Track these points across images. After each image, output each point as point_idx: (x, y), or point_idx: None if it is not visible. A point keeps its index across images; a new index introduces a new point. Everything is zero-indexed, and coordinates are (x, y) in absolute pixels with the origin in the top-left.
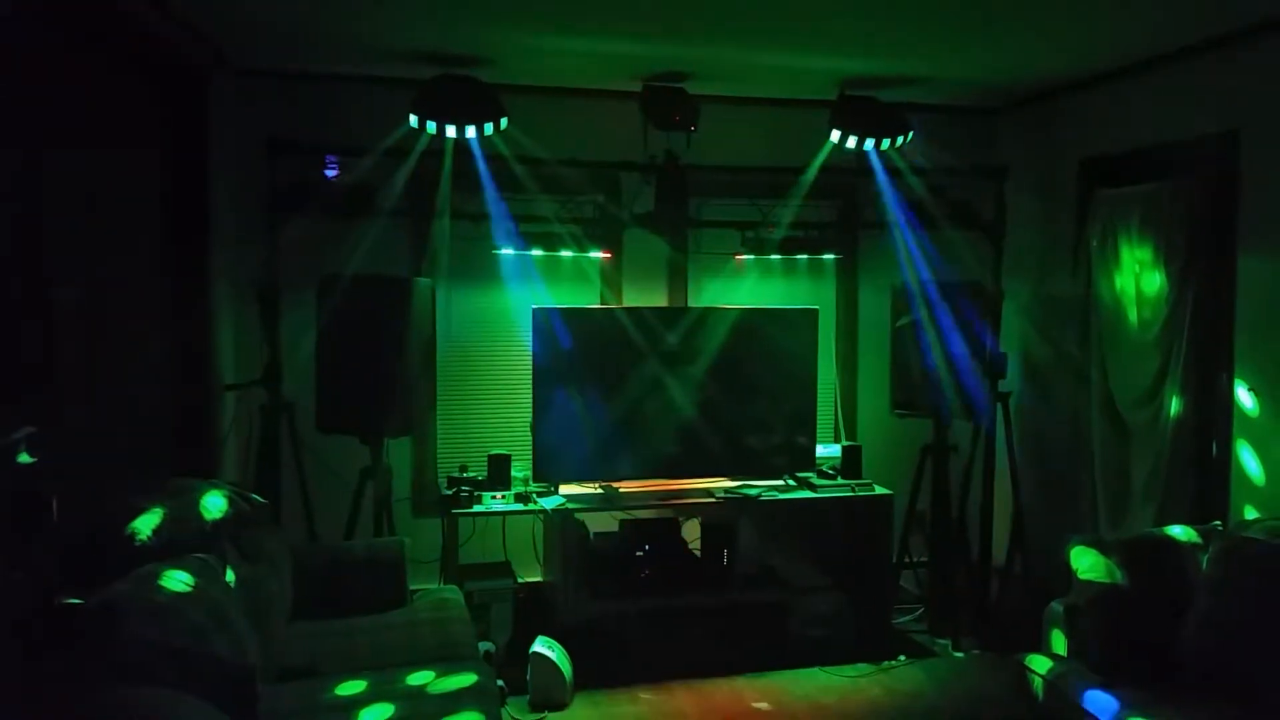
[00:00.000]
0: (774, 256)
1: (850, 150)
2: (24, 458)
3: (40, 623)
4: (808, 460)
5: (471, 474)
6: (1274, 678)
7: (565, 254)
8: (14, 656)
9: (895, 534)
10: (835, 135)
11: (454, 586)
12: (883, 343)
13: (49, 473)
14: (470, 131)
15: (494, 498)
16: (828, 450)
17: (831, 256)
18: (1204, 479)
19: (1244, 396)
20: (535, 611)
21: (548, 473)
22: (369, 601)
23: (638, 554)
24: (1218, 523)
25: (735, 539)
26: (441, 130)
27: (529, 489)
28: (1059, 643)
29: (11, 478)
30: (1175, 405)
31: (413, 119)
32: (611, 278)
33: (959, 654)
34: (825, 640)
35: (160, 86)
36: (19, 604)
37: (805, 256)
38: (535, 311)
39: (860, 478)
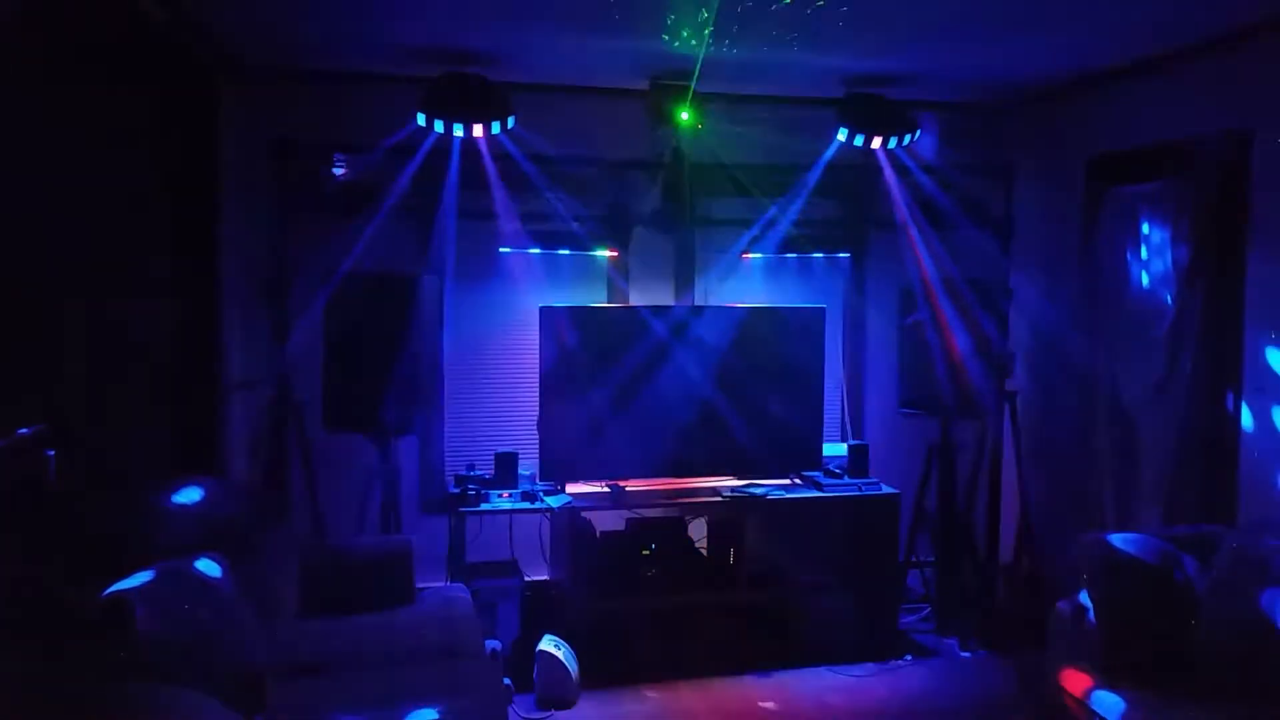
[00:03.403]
0: (781, 255)
1: (857, 148)
2: (33, 455)
3: (49, 619)
4: (814, 459)
5: (479, 472)
6: None
7: (572, 252)
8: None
9: (902, 533)
10: (842, 133)
11: (461, 585)
12: (890, 341)
13: (58, 470)
14: (477, 130)
15: (501, 496)
16: (835, 449)
17: (839, 254)
18: (1212, 479)
19: (1252, 396)
20: (542, 610)
21: (555, 471)
22: (376, 599)
23: (644, 553)
24: (1226, 523)
25: (742, 538)
26: (449, 129)
27: (536, 487)
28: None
29: (21, 475)
30: (1183, 404)
31: (420, 118)
32: (618, 276)
33: (965, 654)
34: (832, 640)
35: (168, 85)
36: (28, 600)
37: (813, 254)
38: (542, 310)
39: (867, 476)
